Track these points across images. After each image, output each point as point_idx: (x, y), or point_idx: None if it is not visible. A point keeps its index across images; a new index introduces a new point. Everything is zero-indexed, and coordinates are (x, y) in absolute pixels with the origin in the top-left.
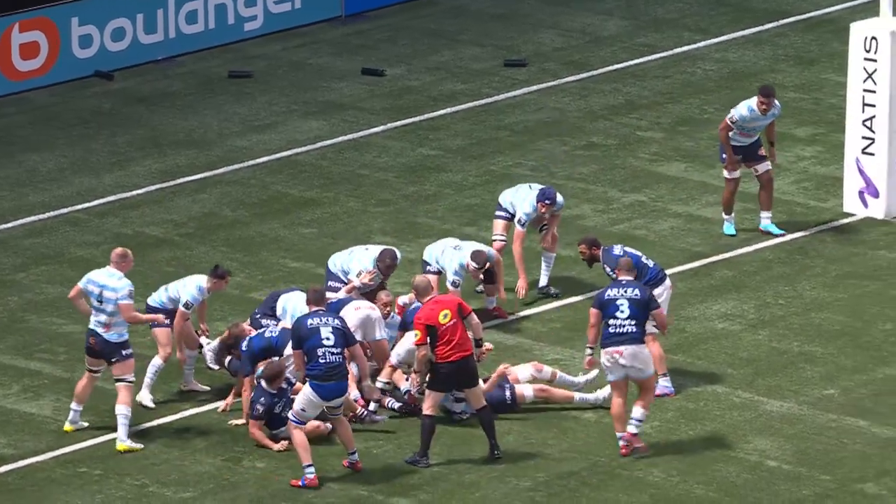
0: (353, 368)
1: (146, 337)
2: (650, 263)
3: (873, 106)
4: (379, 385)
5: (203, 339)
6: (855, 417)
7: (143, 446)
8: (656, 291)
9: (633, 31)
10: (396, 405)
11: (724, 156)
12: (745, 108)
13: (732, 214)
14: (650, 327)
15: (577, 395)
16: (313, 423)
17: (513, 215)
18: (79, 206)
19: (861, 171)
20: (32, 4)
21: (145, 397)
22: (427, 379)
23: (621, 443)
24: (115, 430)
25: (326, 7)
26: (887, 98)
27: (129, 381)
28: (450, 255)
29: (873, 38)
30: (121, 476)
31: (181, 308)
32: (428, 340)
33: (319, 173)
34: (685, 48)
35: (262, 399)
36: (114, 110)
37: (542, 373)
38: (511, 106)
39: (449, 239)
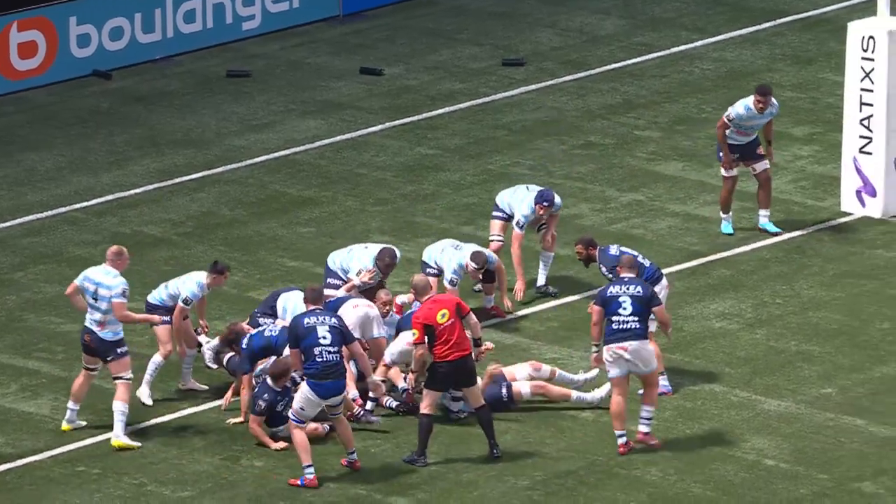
0: (350, 367)
1: (144, 336)
2: (646, 263)
3: (871, 105)
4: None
5: (202, 338)
6: (852, 416)
7: (140, 444)
8: None
9: (630, 31)
10: (394, 404)
11: (720, 154)
12: (742, 106)
13: (730, 213)
14: (651, 326)
15: (575, 394)
16: (311, 426)
17: (509, 216)
18: (77, 206)
19: (858, 171)
20: (30, 4)
21: (144, 393)
22: (425, 378)
23: (620, 441)
24: (113, 428)
25: (324, 6)
26: (884, 97)
27: (127, 379)
28: (449, 254)
29: (871, 37)
30: (119, 475)
31: (180, 304)
32: (426, 340)
33: (317, 172)
34: (682, 47)
35: (266, 395)
36: (112, 110)
37: (541, 371)
38: (509, 105)
39: (448, 240)
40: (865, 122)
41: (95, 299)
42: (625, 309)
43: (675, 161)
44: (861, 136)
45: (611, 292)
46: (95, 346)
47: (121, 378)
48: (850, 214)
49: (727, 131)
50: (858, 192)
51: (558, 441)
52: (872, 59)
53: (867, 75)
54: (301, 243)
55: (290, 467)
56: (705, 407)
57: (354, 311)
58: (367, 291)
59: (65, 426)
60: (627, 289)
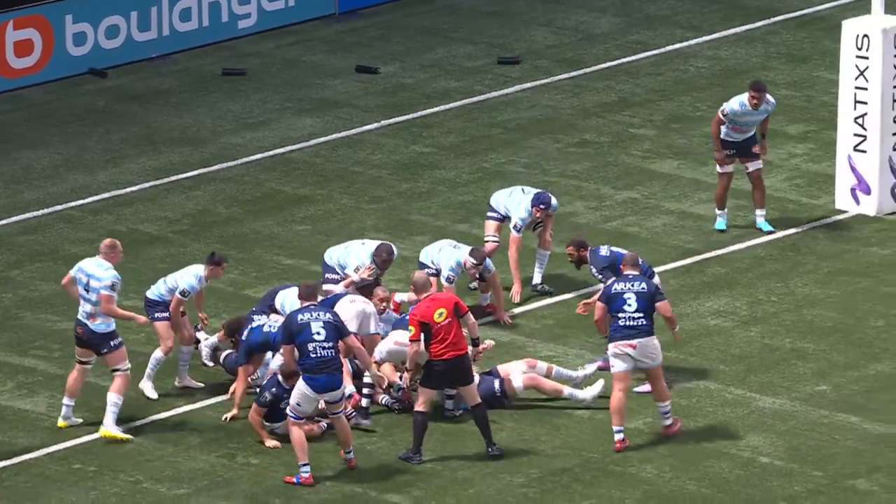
0: (346, 364)
1: (140, 334)
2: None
3: (865, 103)
4: (365, 380)
5: (201, 335)
6: (847, 414)
7: (130, 437)
8: None
9: (625, 29)
10: (390, 401)
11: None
12: (737, 102)
13: (725, 210)
14: None
15: (567, 390)
16: (307, 426)
17: (504, 217)
18: (73, 203)
19: (853, 168)
20: (26, 2)
21: (147, 387)
22: (420, 376)
23: (617, 437)
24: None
25: (320, 5)
26: (879, 95)
27: (124, 370)
28: (448, 252)
29: (865, 35)
30: (115, 472)
31: (177, 295)
32: (422, 337)
33: (313, 170)
34: (677, 45)
35: (274, 389)
36: (108, 108)
37: (536, 369)
38: (504, 103)
39: (446, 240)
40: (860, 120)
41: (87, 291)
42: (629, 306)
43: (670, 159)
44: (855, 134)
45: (615, 289)
46: (88, 338)
47: (118, 370)
48: (844, 212)
49: (722, 128)
50: (853, 190)
51: (554, 438)
52: (867, 58)
53: (861, 73)
54: (297, 241)
55: (286, 465)
56: (700, 404)
57: (351, 307)
58: (364, 288)
59: (61, 423)
60: (632, 286)
